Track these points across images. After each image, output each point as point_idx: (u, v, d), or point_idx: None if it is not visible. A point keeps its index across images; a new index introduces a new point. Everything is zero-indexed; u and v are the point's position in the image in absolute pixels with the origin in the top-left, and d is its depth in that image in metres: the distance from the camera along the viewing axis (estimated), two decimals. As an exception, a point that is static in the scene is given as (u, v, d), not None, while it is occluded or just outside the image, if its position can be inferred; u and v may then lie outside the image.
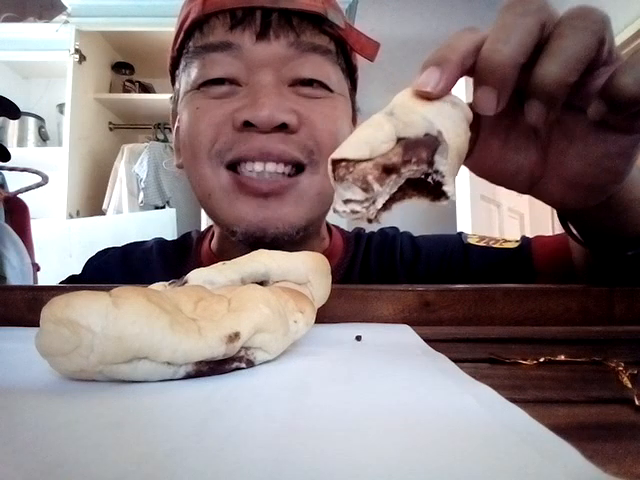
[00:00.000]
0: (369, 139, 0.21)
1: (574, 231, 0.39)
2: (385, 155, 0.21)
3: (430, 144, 0.22)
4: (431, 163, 0.22)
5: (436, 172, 0.22)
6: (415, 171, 0.22)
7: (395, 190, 0.22)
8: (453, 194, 0.22)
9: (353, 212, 0.22)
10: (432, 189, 0.22)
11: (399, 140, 0.22)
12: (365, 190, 0.21)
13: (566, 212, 0.38)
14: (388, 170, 0.21)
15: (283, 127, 0.43)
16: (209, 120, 0.45)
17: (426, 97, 0.23)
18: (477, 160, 0.32)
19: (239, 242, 0.46)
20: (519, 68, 0.24)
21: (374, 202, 0.22)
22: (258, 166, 0.44)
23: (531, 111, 0.26)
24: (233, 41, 0.45)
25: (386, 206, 0.23)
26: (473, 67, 0.25)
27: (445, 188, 0.22)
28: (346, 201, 0.22)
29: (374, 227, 0.60)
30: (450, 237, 0.57)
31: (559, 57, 0.24)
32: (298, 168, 0.46)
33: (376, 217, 0.23)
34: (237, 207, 0.45)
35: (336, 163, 0.21)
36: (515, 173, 0.33)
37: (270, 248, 0.31)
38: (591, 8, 0.25)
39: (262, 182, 0.44)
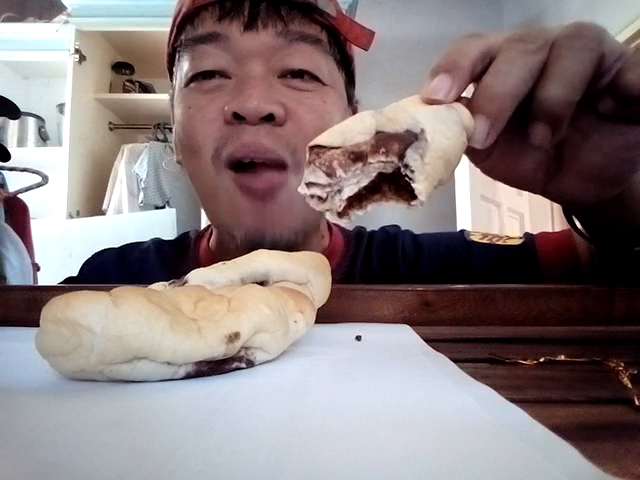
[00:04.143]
0: (346, 129, 0.21)
1: (580, 228, 0.39)
2: (356, 144, 0.21)
3: (406, 139, 0.21)
4: (402, 157, 0.21)
5: (406, 166, 0.21)
6: (385, 163, 0.21)
7: (366, 183, 0.22)
8: (421, 193, 0.21)
9: (317, 198, 0.22)
10: (412, 193, 0.22)
11: (377, 133, 0.21)
12: (329, 175, 0.21)
13: (576, 208, 0.37)
14: (356, 158, 0.21)
15: (270, 118, 0.43)
16: (202, 118, 0.45)
17: (436, 104, 0.23)
18: (494, 163, 0.33)
19: (238, 247, 0.46)
20: (516, 104, 0.25)
21: (340, 191, 0.21)
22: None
23: (536, 134, 0.26)
24: (221, 32, 0.44)
25: (361, 205, 0.22)
26: (481, 74, 0.25)
27: (414, 185, 0.21)
28: (309, 184, 0.21)
29: (375, 225, 0.60)
30: (452, 235, 0.56)
31: (561, 78, 0.24)
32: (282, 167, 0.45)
33: (347, 213, 0.22)
34: (238, 211, 0.45)
35: (312, 150, 0.22)
36: (531, 174, 0.33)
37: (270, 247, 0.31)
38: (586, 24, 0.25)
39: (257, 180, 0.44)
